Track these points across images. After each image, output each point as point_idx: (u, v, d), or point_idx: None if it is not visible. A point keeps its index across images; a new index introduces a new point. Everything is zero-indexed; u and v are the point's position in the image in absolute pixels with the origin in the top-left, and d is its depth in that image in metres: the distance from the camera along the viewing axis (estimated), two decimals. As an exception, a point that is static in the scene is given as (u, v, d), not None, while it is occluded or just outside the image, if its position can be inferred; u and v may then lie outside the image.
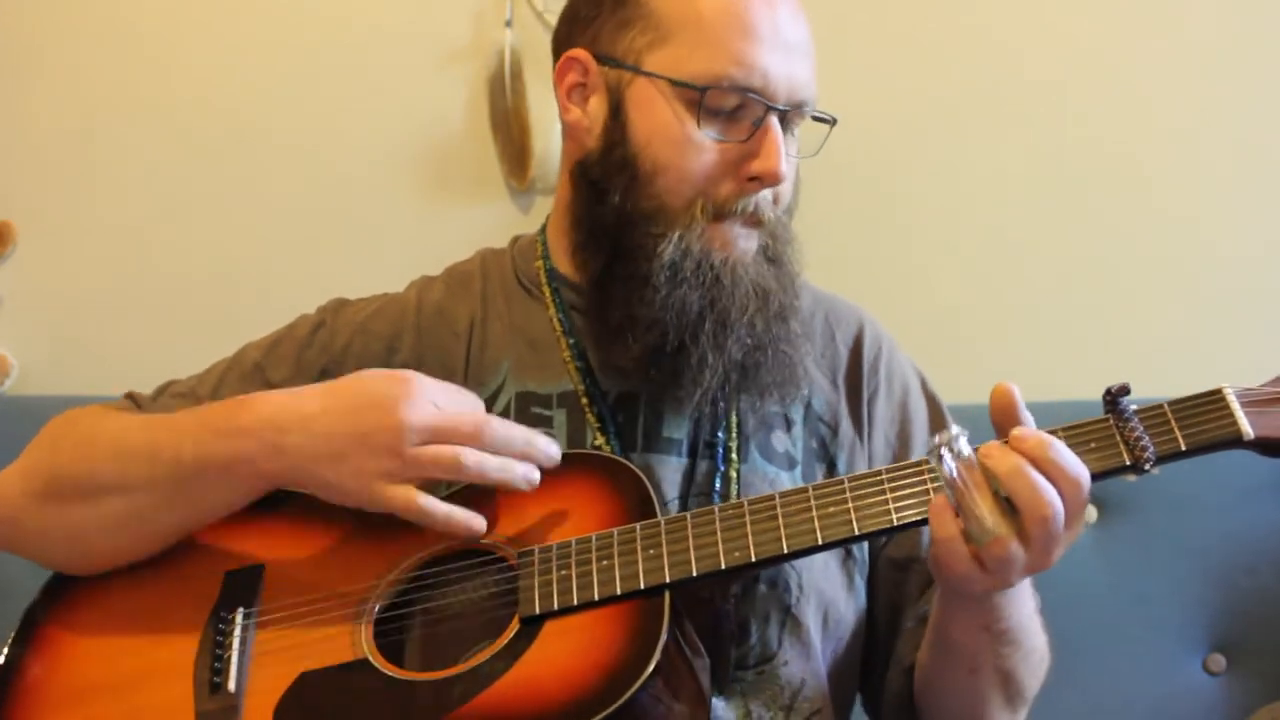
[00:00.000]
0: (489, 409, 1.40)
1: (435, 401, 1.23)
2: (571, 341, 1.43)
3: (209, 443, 1.25)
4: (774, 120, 1.33)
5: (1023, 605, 1.25)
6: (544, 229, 1.52)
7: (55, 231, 2.18)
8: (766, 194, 1.36)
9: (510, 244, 1.55)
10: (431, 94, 2.15)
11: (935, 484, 1.18)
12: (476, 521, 1.24)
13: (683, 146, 1.33)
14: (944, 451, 1.11)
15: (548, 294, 1.46)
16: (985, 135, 2.12)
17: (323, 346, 1.45)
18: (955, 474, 1.11)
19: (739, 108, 1.33)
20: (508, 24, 2.12)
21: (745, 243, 1.36)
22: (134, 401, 1.45)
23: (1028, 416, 1.17)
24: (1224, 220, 2.11)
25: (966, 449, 1.12)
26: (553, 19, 2.10)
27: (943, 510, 1.13)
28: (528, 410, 1.40)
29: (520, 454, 1.24)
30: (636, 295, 1.34)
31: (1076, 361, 2.10)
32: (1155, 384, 2.09)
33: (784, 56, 1.34)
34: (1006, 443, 1.14)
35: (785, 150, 1.33)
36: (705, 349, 1.33)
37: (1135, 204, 2.12)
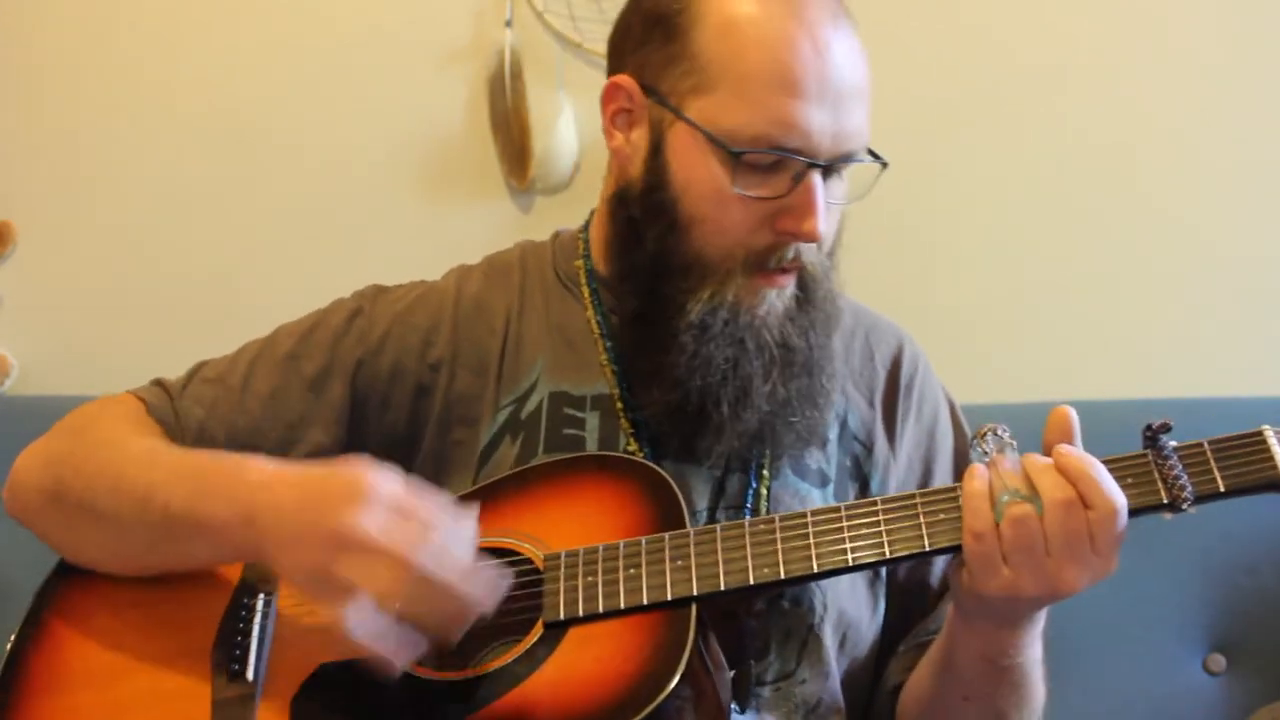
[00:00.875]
0: (520, 408, 1.39)
1: (390, 508, 1.15)
2: (609, 344, 1.40)
3: (196, 500, 1.23)
4: (814, 177, 1.28)
5: (1030, 648, 1.26)
6: (586, 226, 1.48)
7: (55, 231, 2.18)
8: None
9: (551, 239, 1.52)
10: (431, 94, 2.14)
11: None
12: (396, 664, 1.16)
13: (719, 200, 1.29)
14: (989, 434, 1.15)
15: (587, 294, 1.43)
16: (989, 136, 2.12)
17: (360, 336, 1.43)
18: (996, 450, 1.15)
19: (779, 162, 1.28)
20: (508, 24, 2.12)
21: (776, 303, 1.32)
22: (164, 390, 1.42)
23: (1079, 442, 1.18)
24: (1229, 221, 2.11)
25: (1009, 439, 1.16)
26: (553, 19, 2.12)
27: (975, 470, 1.16)
28: (560, 411, 1.39)
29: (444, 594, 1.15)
30: (665, 348, 1.32)
31: (1075, 362, 2.10)
32: (1156, 385, 2.11)
33: (830, 109, 1.27)
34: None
35: (823, 206, 1.28)
36: (725, 416, 1.31)
37: (1140, 205, 2.12)
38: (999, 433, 1.15)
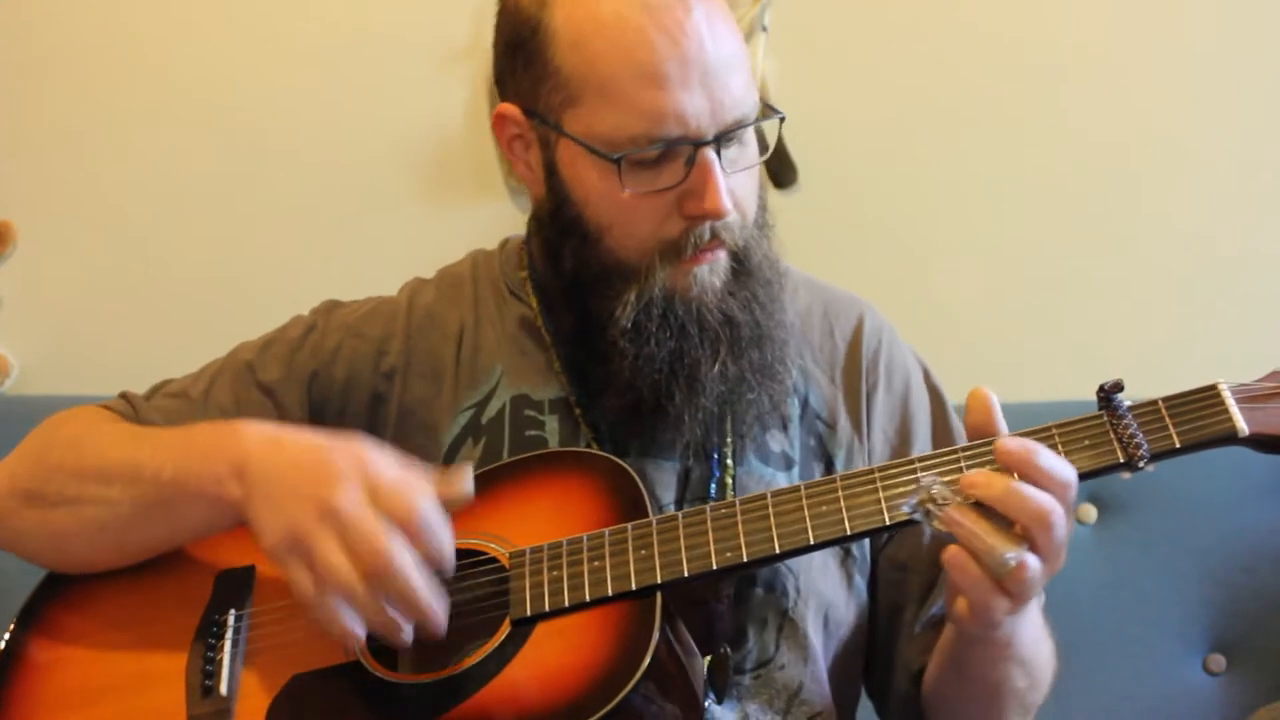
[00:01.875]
0: (481, 412, 1.40)
1: (380, 481, 1.16)
2: (561, 351, 1.41)
3: (189, 462, 1.24)
4: (706, 153, 1.26)
5: (1033, 620, 1.26)
6: (528, 238, 1.48)
7: (55, 231, 2.19)
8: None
9: (500, 246, 1.54)
10: (431, 94, 2.15)
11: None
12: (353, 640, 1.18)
13: (618, 205, 1.29)
14: (929, 508, 1.10)
15: (535, 304, 1.45)
16: (983, 136, 2.12)
17: (313, 349, 1.45)
18: (956, 518, 1.10)
19: (666, 152, 1.27)
20: (508, 24, 2.12)
21: (710, 276, 1.31)
22: (128, 402, 1.44)
23: (1002, 423, 1.17)
24: (1222, 221, 2.11)
25: (947, 491, 1.11)
26: (553, 19, 2.12)
27: (960, 559, 1.11)
28: (522, 414, 1.40)
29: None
30: (606, 358, 1.32)
31: (1074, 361, 2.10)
32: (1154, 384, 2.11)
33: (701, 88, 1.25)
34: (986, 454, 1.14)
35: (722, 181, 1.27)
36: (681, 406, 1.31)
37: (1133, 204, 2.12)
38: (935, 495, 1.10)
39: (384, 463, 1.18)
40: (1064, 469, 1.12)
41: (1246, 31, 2.09)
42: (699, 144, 1.26)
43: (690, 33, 1.26)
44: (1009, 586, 1.11)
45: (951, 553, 1.12)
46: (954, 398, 1.55)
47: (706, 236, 1.30)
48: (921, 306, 2.08)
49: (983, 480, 1.11)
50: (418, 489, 1.17)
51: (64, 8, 2.17)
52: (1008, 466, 1.11)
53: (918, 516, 1.11)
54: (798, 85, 2.06)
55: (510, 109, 1.35)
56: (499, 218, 2.15)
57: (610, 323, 1.31)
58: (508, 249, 1.52)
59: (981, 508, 1.10)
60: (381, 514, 1.14)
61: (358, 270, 2.11)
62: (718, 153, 1.28)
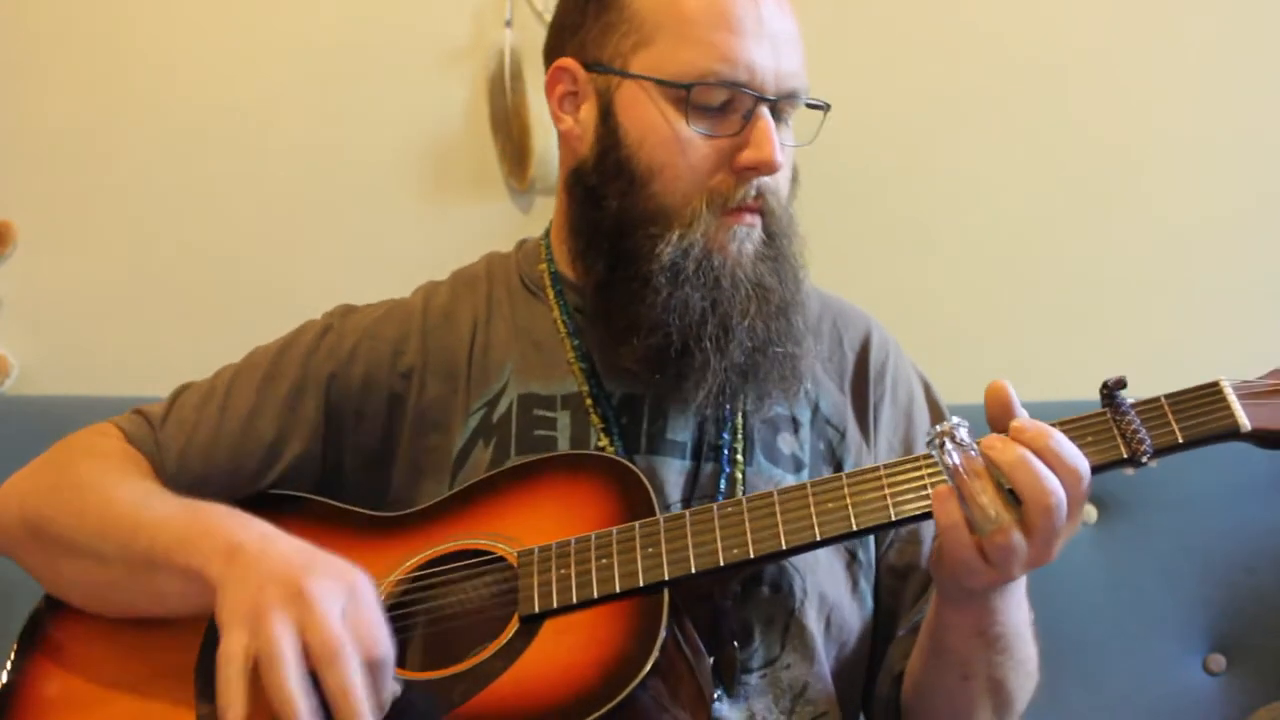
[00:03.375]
0: (491, 412, 1.41)
1: (363, 602, 1.13)
2: (576, 343, 1.42)
3: (183, 544, 1.21)
4: (764, 110, 1.33)
5: (1017, 611, 1.26)
6: (547, 233, 1.51)
7: (55, 231, 2.18)
8: (767, 181, 1.36)
9: (516, 248, 1.56)
10: (431, 94, 2.14)
11: (934, 479, 1.18)
12: None
13: (675, 145, 1.33)
14: (945, 440, 1.12)
15: (551, 296, 1.46)
16: (984, 134, 2.12)
17: (330, 351, 1.45)
18: (957, 462, 1.11)
19: (728, 102, 1.34)
20: (508, 24, 2.12)
21: (745, 243, 1.35)
22: (145, 420, 1.43)
23: (1023, 412, 1.17)
24: (1223, 219, 2.11)
25: (968, 438, 1.12)
26: (553, 19, 2.12)
27: (946, 498, 1.13)
28: (530, 412, 1.40)
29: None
30: (639, 297, 1.34)
31: (1077, 360, 2.10)
32: (1156, 383, 2.11)
33: (770, 48, 1.33)
34: (1007, 436, 1.14)
35: (777, 137, 1.33)
36: (709, 352, 1.33)
37: (1134, 203, 2.12)
38: (957, 437, 1.12)
39: (373, 597, 1.14)
40: (1078, 458, 1.13)
41: (1249, 30, 2.09)
42: (760, 99, 1.33)
43: (766, 1, 1.35)
44: (987, 550, 1.12)
45: (941, 490, 1.14)
46: (957, 398, 1.55)
47: (753, 194, 1.34)
48: (922, 306, 2.08)
49: (999, 444, 1.13)
50: (387, 640, 1.12)
51: (64, 8, 2.17)
52: (1022, 444, 1.12)
53: (931, 447, 1.13)
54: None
55: (569, 62, 1.41)
56: (499, 218, 2.15)
57: (649, 259, 1.33)
58: (525, 248, 1.54)
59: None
60: (354, 623, 1.10)
61: (358, 270, 2.12)
62: (775, 114, 1.34)
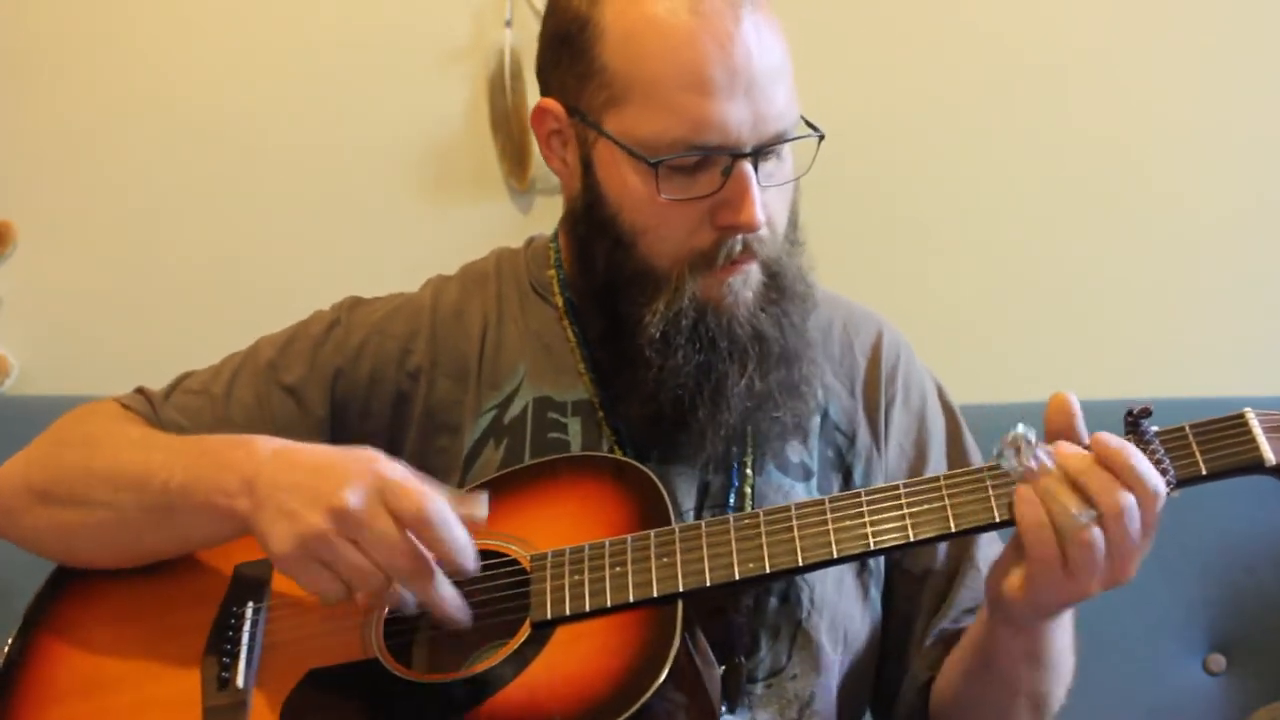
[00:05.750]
0: (504, 413, 1.40)
1: (388, 482, 1.16)
2: (585, 352, 1.40)
3: (199, 471, 1.23)
4: (744, 167, 1.26)
5: (1066, 633, 1.26)
6: (555, 235, 1.48)
7: (55, 231, 2.18)
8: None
9: (525, 245, 1.53)
10: (431, 94, 2.14)
11: (952, 500, 1.18)
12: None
13: (651, 211, 1.28)
14: (1023, 444, 1.11)
15: (560, 303, 1.43)
16: (992, 135, 2.12)
17: (337, 345, 1.43)
18: (1044, 461, 1.11)
19: (704, 161, 1.27)
20: (508, 24, 2.12)
21: (744, 290, 1.30)
22: (146, 398, 1.43)
23: (1084, 429, 1.16)
24: (1223, 219, 2.11)
25: (1041, 445, 1.12)
26: (553, 19, 2.12)
27: (1029, 498, 1.12)
28: (544, 416, 1.39)
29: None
30: (634, 364, 1.31)
31: (1077, 360, 2.11)
32: (1156, 383, 2.11)
33: (745, 99, 1.25)
34: (1005, 477, 1.15)
35: (758, 194, 1.26)
36: (704, 422, 1.30)
37: (1135, 203, 2.12)
38: (1030, 440, 1.11)
39: (393, 466, 1.17)
40: (1154, 477, 1.12)
41: (1249, 30, 2.09)
42: (737, 155, 1.26)
43: (739, 42, 1.25)
44: (1069, 552, 1.11)
45: (1023, 491, 1.12)
46: (963, 398, 1.55)
47: (738, 249, 1.29)
48: (927, 307, 2.08)
49: (1070, 449, 1.12)
50: (428, 491, 1.16)
51: (64, 8, 2.16)
52: (1102, 457, 1.11)
53: (1006, 452, 1.11)
54: (797, 85, 2.05)
55: (552, 104, 1.34)
56: (499, 218, 2.15)
57: (639, 329, 1.30)
58: (533, 247, 1.51)
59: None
60: (392, 514, 1.14)
61: (358, 269, 2.11)
62: (755, 166, 1.27)
